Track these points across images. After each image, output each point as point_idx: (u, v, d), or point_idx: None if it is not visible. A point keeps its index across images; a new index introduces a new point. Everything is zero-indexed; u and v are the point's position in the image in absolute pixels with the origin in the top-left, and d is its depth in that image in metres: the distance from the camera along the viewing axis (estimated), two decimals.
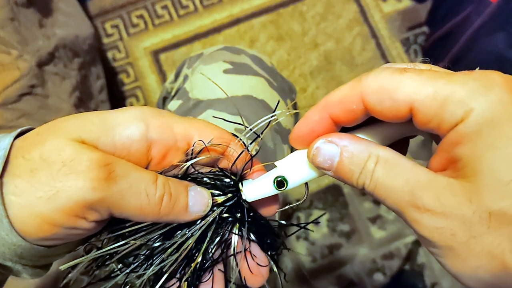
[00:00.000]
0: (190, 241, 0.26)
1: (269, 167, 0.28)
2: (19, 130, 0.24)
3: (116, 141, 0.24)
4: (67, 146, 0.22)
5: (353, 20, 1.10)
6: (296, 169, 0.25)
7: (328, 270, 0.98)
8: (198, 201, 0.25)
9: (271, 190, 0.26)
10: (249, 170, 0.27)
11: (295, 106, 0.61)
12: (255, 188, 0.26)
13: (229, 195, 0.27)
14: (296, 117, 0.62)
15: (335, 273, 0.98)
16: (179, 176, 0.27)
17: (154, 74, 1.06)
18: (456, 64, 0.96)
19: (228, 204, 0.27)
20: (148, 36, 1.07)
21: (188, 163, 0.26)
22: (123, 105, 1.08)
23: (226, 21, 1.08)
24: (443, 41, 1.00)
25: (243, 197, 0.26)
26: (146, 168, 0.26)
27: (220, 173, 0.27)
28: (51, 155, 0.22)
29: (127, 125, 0.24)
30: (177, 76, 0.56)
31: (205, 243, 0.26)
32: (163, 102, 0.60)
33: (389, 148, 0.22)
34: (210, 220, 0.26)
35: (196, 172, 0.27)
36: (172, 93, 0.55)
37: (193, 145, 0.26)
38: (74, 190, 0.21)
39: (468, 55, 0.93)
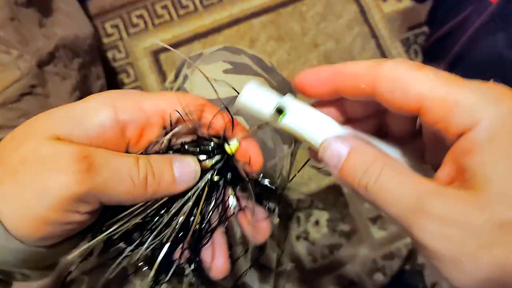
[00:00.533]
0: (185, 209, 0.26)
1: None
2: None
3: (89, 131, 0.24)
4: (43, 145, 0.22)
5: (353, 20, 1.10)
6: (301, 113, 0.24)
7: (328, 270, 0.98)
8: (185, 171, 0.26)
9: (268, 111, 0.25)
10: (231, 131, 0.27)
11: None
12: (254, 96, 0.25)
13: (217, 157, 0.27)
14: None
15: (335, 273, 0.98)
16: (162, 152, 0.27)
17: (154, 74, 1.06)
18: (456, 64, 0.96)
19: (217, 166, 0.27)
20: (148, 36, 1.07)
21: (167, 136, 0.26)
22: None
23: (226, 21, 1.08)
24: (443, 41, 1.00)
25: (239, 99, 0.25)
26: (126, 151, 0.26)
27: (203, 139, 0.27)
28: (30, 156, 0.22)
29: (96, 113, 0.24)
30: (177, 76, 0.56)
31: (200, 206, 0.26)
32: None
33: (395, 159, 0.22)
34: (202, 185, 0.26)
35: (178, 144, 0.27)
36: None
37: (170, 117, 0.26)
38: (58, 186, 0.22)
39: (468, 55, 0.93)
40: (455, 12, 0.98)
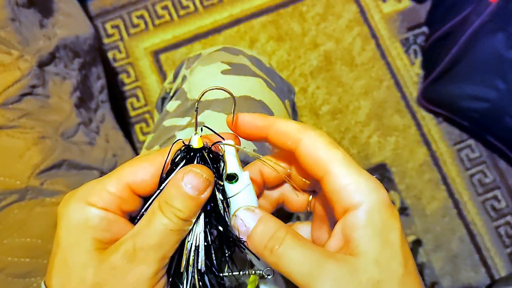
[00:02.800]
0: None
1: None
2: None
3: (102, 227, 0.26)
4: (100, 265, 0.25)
5: (353, 20, 1.10)
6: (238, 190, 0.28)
7: None
8: (191, 180, 0.27)
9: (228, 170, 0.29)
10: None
11: (294, 107, 0.61)
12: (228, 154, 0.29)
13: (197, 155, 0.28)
14: (295, 118, 0.62)
15: None
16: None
17: (154, 74, 1.06)
18: (456, 64, 0.96)
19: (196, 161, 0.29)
20: (148, 36, 1.08)
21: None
22: (124, 105, 1.08)
23: (226, 21, 1.09)
24: (443, 41, 1.01)
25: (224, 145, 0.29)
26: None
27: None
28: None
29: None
30: (175, 76, 0.57)
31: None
32: (162, 102, 0.61)
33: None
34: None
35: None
36: (171, 94, 0.56)
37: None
38: (138, 277, 0.25)
39: (468, 55, 0.93)
40: (454, 12, 0.98)
